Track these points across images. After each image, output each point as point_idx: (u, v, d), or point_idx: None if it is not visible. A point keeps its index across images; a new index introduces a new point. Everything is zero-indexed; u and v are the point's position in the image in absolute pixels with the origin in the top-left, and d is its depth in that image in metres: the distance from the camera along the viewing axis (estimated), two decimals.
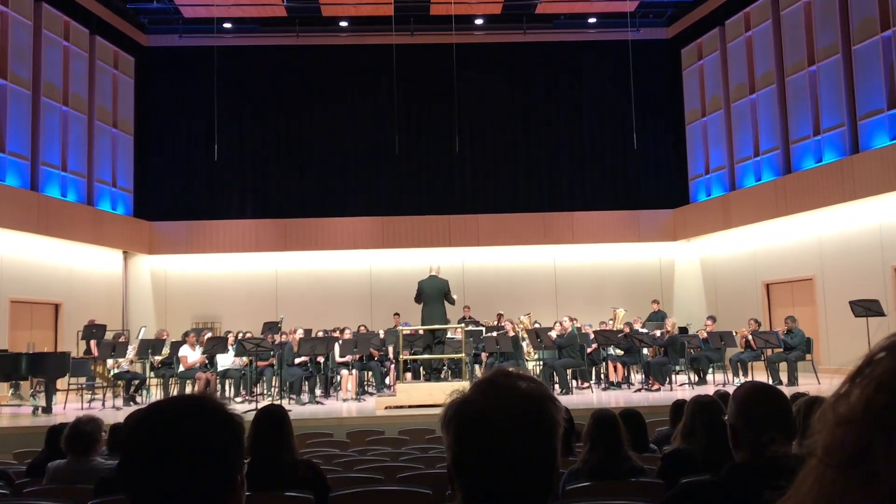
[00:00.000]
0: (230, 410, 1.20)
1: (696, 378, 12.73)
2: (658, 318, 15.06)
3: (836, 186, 13.37)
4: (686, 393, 10.41)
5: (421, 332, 11.80)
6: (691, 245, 18.28)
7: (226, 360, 12.39)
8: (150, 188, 18.11)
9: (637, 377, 13.47)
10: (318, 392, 12.31)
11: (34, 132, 14.55)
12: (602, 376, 13.39)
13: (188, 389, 12.00)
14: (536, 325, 14.02)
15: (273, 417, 3.40)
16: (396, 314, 15.21)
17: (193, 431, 1.14)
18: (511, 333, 12.62)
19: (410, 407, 10.09)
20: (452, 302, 11.66)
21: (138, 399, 12.42)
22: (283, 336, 13.11)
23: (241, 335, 13.39)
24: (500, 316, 15.16)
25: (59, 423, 5.13)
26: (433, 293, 11.33)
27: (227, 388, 12.80)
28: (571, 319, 13.22)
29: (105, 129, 16.82)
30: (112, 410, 11.13)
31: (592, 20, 18.52)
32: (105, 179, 16.73)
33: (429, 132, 18.58)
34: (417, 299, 11.50)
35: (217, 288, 17.92)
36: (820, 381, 11.57)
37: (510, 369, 1.21)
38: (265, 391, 12.90)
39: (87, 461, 4.02)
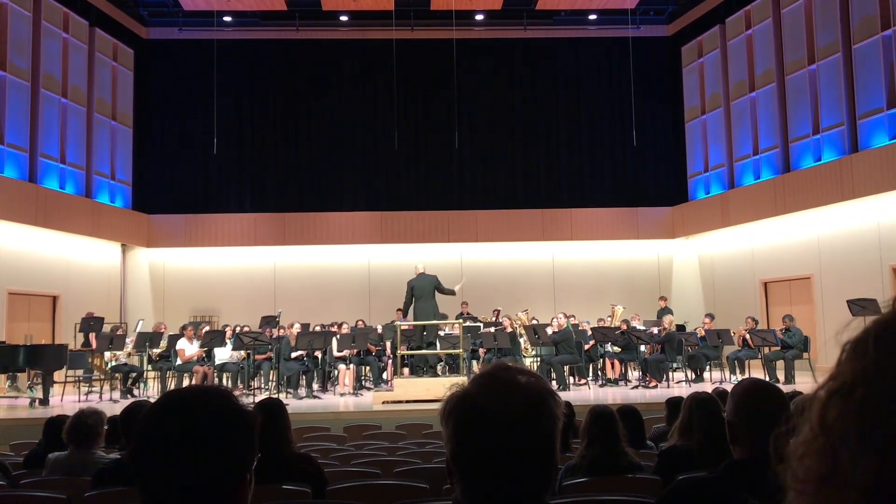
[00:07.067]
0: (247, 408, 1.20)
1: (694, 375, 12.75)
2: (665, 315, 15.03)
3: (835, 185, 13.37)
4: (683, 390, 10.42)
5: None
6: (690, 243, 18.29)
7: (223, 354, 12.39)
8: (148, 181, 18.08)
9: (634, 374, 13.48)
10: (315, 386, 12.32)
11: (33, 124, 14.52)
12: (599, 373, 13.41)
13: (185, 383, 11.99)
14: (534, 322, 14.01)
15: (270, 411, 3.40)
16: (399, 309, 15.05)
17: (211, 427, 1.14)
18: (508, 329, 12.63)
19: (408, 402, 10.12)
20: (452, 293, 11.90)
21: (136, 392, 12.43)
22: (281, 330, 13.10)
23: (238, 329, 13.37)
24: (497, 312, 15.13)
25: (57, 414, 5.13)
26: (426, 289, 11.65)
27: (224, 381, 12.79)
28: (567, 316, 13.24)
29: (104, 122, 16.79)
30: (109, 403, 11.12)
31: (593, 17, 18.48)
32: (104, 172, 16.70)
33: (428, 128, 18.55)
34: (409, 299, 11.70)
35: (215, 281, 17.90)
36: (817, 379, 11.58)
37: (510, 364, 1.21)
38: (262, 385, 12.91)
39: (88, 454, 4.00)
